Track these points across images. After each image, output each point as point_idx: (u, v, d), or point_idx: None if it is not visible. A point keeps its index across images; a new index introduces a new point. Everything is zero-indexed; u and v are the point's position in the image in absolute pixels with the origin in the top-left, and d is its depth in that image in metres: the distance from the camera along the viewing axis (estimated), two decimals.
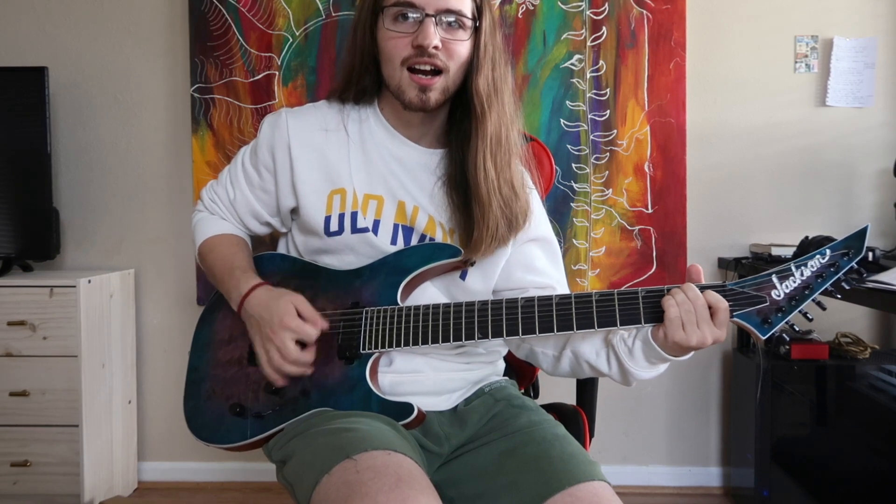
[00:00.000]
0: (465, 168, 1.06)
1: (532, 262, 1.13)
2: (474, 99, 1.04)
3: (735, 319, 0.93)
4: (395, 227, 1.09)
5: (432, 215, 1.09)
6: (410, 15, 1.00)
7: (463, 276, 1.11)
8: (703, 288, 0.93)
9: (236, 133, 2.24)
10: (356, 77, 1.11)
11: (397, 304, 1.04)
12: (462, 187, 1.06)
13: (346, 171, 1.09)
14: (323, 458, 0.87)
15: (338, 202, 1.08)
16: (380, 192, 1.09)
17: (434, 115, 1.09)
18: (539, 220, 1.16)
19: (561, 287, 1.15)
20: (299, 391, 1.04)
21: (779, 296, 0.92)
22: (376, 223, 1.08)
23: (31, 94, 2.09)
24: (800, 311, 0.92)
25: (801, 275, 0.92)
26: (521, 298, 0.99)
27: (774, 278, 0.93)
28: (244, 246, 1.19)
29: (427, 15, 0.99)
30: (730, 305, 0.92)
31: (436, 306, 1.02)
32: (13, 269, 2.17)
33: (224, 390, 1.10)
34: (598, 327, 0.95)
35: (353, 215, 1.07)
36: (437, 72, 1.02)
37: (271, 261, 1.17)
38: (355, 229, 1.07)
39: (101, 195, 2.31)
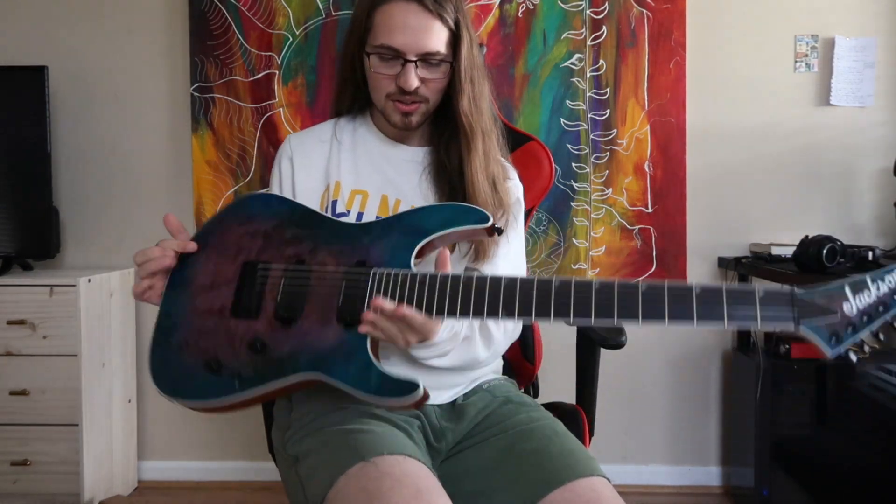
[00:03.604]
0: (457, 176, 1.11)
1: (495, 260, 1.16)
2: (461, 118, 1.11)
3: (802, 330, 0.81)
4: (377, 220, 1.12)
5: (415, 206, 1.12)
6: (395, 58, 1.07)
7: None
8: (766, 294, 0.82)
9: (236, 132, 2.24)
10: (348, 94, 1.20)
11: (410, 268, 0.95)
12: (447, 180, 1.13)
13: (336, 172, 1.16)
14: (338, 458, 0.88)
15: (326, 198, 1.15)
16: (365, 188, 1.15)
17: None
18: (520, 209, 1.21)
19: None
20: (287, 352, 0.94)
21: (851, 310, 0.81)
22: (360, 215, 1.13)
23: (32, 93, 2.09)
24: (871, 331, 0.82)
25: (878, 289, 0.81)
26: (556, 279, 0.88)
27: (847, 289, 0.81)
28: None
29: (407, 61, 1.06)
30: (797, 316, 0.81)
31: (455, 277, 0.91)
32: (13, 269, 2.17)
33: (199, 342, 0.97)
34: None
35: (334, 203, 1.13)
36: (418, 100, 1.10)
37: (266, 203, 1.05)
38: (335, 216, 1.12)
39: (100, 194, 2.31)
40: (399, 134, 1.18)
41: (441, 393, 1.10)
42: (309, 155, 1.19)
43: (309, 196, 1.16)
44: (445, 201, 1.10)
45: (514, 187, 1.21)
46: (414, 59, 1.06)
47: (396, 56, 1.06)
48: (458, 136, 1.12)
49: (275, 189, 1.20)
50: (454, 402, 1.11)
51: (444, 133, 1.15)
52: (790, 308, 0.82)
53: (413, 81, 1.06)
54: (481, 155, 1.12)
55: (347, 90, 1.20)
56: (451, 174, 1.12)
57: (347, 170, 1.16)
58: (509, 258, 1.17)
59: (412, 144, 1.19)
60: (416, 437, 1.00)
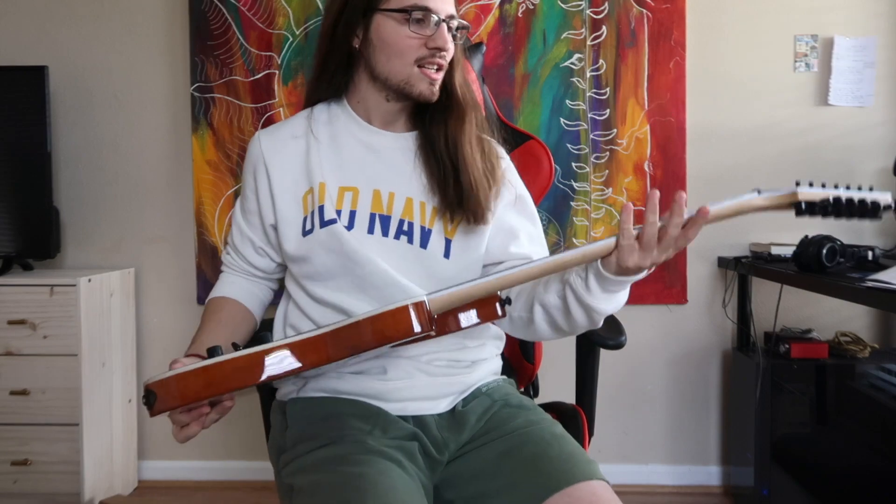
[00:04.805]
0: (451, 154, 1.10)
1: (512, 228, 1.13)
2: (456, 91, 1.11)
3: (764, 195, 1.00)
4: (372, 216, 1.08)
5: (411, 196, 1.09)
6: (427, 19, 1.05)
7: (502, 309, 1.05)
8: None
9: (236, 132, 2.24)
10: (327, 78, 1.15)
11: None
12: (436, 161, 1.10)
13: (318, 170, 1.10)
14: None
15: (310, 201, 1.09)
16: (354, 184, 1.10)
17: (407, 103, 1.13)
18: (514, 181, 1.19)
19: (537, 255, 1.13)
20: None
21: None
22: (352, 214, 1.08)
23: (32, 93, 2.09)
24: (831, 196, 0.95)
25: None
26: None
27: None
28: (222, 312, 1.15)
29: (441, 20, 1.06)
30: (759, 190, 0.98)
31: None
32: (13, 268, 2.18)
33: None
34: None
35: (321, 209, 1.07)
36: (439, 68, 1.09)
37: None
38: (323, 223, 1.07)
39: (101, 194, 2.31)
40: (384, 119, 1.13)
41: (439, 402, 1.07)
42: (282, 154, 1.13)
43: (289, 199, 1.10)
44: (439, 182, 1.08)
45: (507, 170, 1.19)
46: (445, 18, 1.06)
47: (427, 17, 1.05)
48: (446, 112, 1.11)
49: (250, 194, 1.15)
50: (454, 409, 1.08)
51: (428, 113, 1.12)
52: (753, 191, 0.96)
53: (449, 40, 1.06)
54: (473, 126, 1.12)
55: (328, 74, 1.14)
56: (441, 153, 1.09)
57: (331, 167, 1.10)
58: (535, 241, 1.16)
59: (397, 130, 1.14)
60: (412, 469, 0.97)
